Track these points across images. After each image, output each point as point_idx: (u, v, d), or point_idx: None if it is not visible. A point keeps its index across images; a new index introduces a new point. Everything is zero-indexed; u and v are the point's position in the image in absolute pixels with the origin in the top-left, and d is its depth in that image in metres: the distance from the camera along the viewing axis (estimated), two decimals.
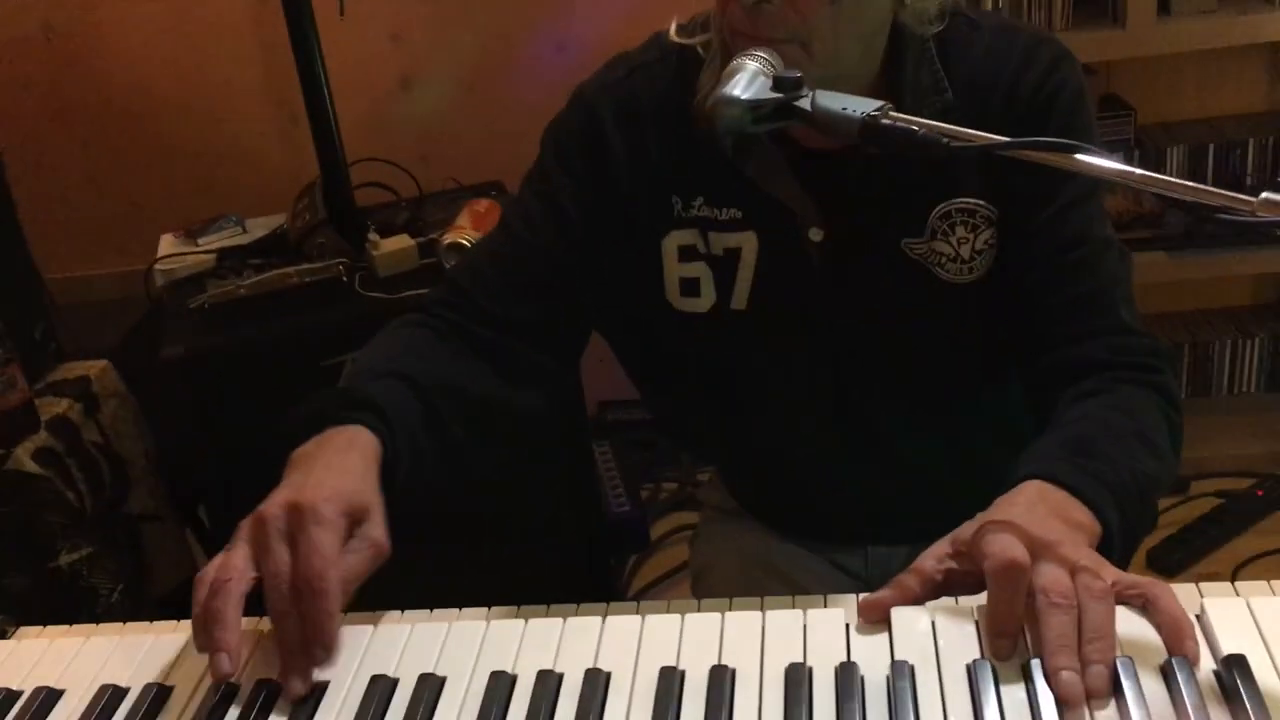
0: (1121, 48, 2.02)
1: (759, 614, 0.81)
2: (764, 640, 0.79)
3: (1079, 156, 0.77)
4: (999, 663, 0.75)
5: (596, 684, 0.77)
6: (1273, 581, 0.82)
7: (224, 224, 2.14)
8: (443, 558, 1.69)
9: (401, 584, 1.13)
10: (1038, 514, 0.82)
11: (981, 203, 1.06)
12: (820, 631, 0.80)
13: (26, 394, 1.80)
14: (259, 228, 2.16)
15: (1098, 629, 0.74)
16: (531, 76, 2.40)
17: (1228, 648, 0.73)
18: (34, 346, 1.92)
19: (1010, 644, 0.76)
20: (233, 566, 0.83)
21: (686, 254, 1.12)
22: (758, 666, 0.77)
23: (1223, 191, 0.70)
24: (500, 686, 0.78)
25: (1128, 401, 0.98)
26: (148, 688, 0.83)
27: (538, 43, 2.40)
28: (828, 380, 1.15)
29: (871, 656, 0.77)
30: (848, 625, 0.80)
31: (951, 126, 0.83)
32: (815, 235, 1.09)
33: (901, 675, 0.74)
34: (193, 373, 1.82)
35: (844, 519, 1.26)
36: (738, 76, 0.90)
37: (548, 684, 0.78)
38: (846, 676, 0.75)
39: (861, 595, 0.83)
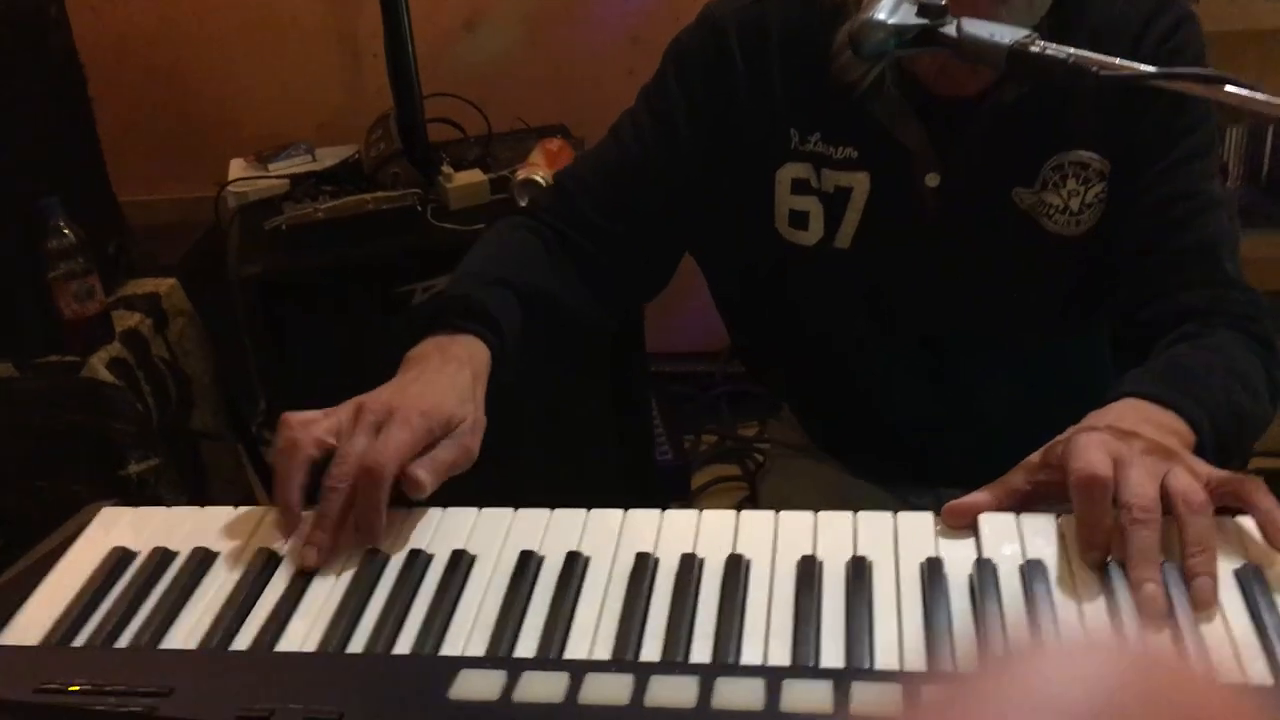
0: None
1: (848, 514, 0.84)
2: (856, 536, 0.82)
3: (1229, 88, 0.79)
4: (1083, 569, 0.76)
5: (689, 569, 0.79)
6: None
7: (294, 151, 2.16)
8: (487, 486, 1.71)
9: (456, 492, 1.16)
10: (1128, 422, 0.84)
11: (1095, 156, 1.08)
12: (911, 529, 0.82)
13: (104, 304, 1.82)
14: (327, 157, 2.18)
15: (1200, 541, 0.75)
16: (595, 23, 2.42)
17: None
18: (109, 260, 1.95)
19: (1100, 555, 0.78)
20: (311, 435, 0.87)
21: (800, 187, 1.13)
22: (842, 559, 0.79)
23: None
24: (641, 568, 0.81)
25: (1225, 345, 0.99)
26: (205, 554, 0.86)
27: None
28: (920, 324, 1.17)
29: (958, 554, 0.79)
30: (936, 529, 0.83)
31: (1100, 56, 0.85)
32: (932, 181, 1.10)
33: (986, 574, 0.76)
34: (267, 293, 1.84)
35: (920, 460, 1.28)
36: (882, 1, 0.92)
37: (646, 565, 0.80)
38: (933, 570, 0.77)
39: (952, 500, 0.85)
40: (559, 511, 0.87)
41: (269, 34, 2.46)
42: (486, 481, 1.86)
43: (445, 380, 0.93)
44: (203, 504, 0.92)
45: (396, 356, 0.97)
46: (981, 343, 1.17)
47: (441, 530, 0.86)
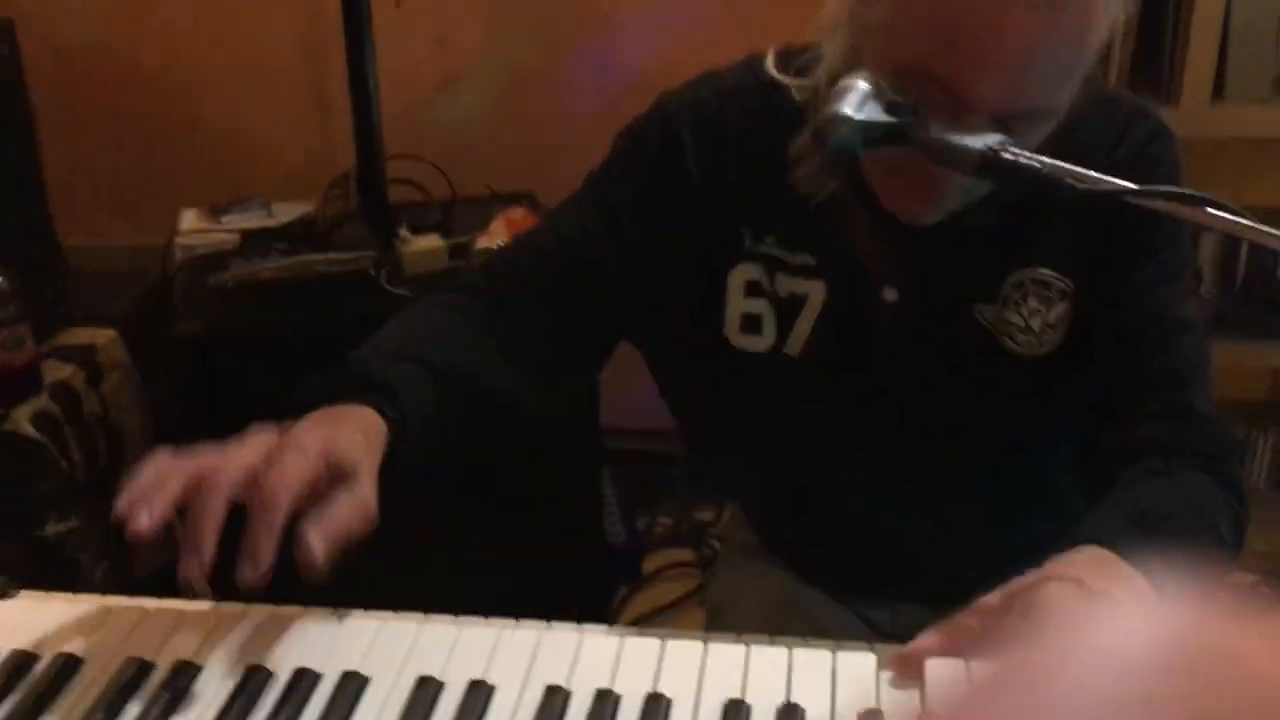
0: (1174, 126, 2.01)
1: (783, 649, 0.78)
2: (790, 678, 0.75)
3: (1210, 210, 0.74)
4: None
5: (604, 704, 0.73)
6: None
7: (250, 205, 2.11)
8: (441, 562, 1.64)
9: (397, 583, 1.09)
10: (1098, 579, 0.79)
11: (1058, 275, 1.03)
12: (849, 674, 0.76)
13: (33, 355, 1.75)
14: (285, 213, 2.12)
15: None
16: (570, 94, 2.39)
17: None
18: (44, 308, 1.87)
19: None
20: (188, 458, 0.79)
21: (752, 289, 1.08)
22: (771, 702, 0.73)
23: None
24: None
25: (1192, 487, 0.94)
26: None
27: (580, 62, 2.38)
28: (876, 436, 1.11)
29: (901, 706, 0.74)
30: (878, 672, 0.77)
31: (1074, 168, 0.80)
32: (889, 295, 1.05)
33: None
34: (207, 351, 1.77)
35: (875, 573, 1.22)
36: (850, 95, 0.87)
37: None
38: None
39: (895, 648, 0.79)
40: (468, 629, 0.79)
41: (235, 79, 2.41)
42: (433, 557, 1.79)
43: (337, 430, 0.85)
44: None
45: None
46: (940, 457, 1.12)
47: (338, 644, 0.78)
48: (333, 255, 1.90)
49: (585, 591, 2.10)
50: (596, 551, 2.12)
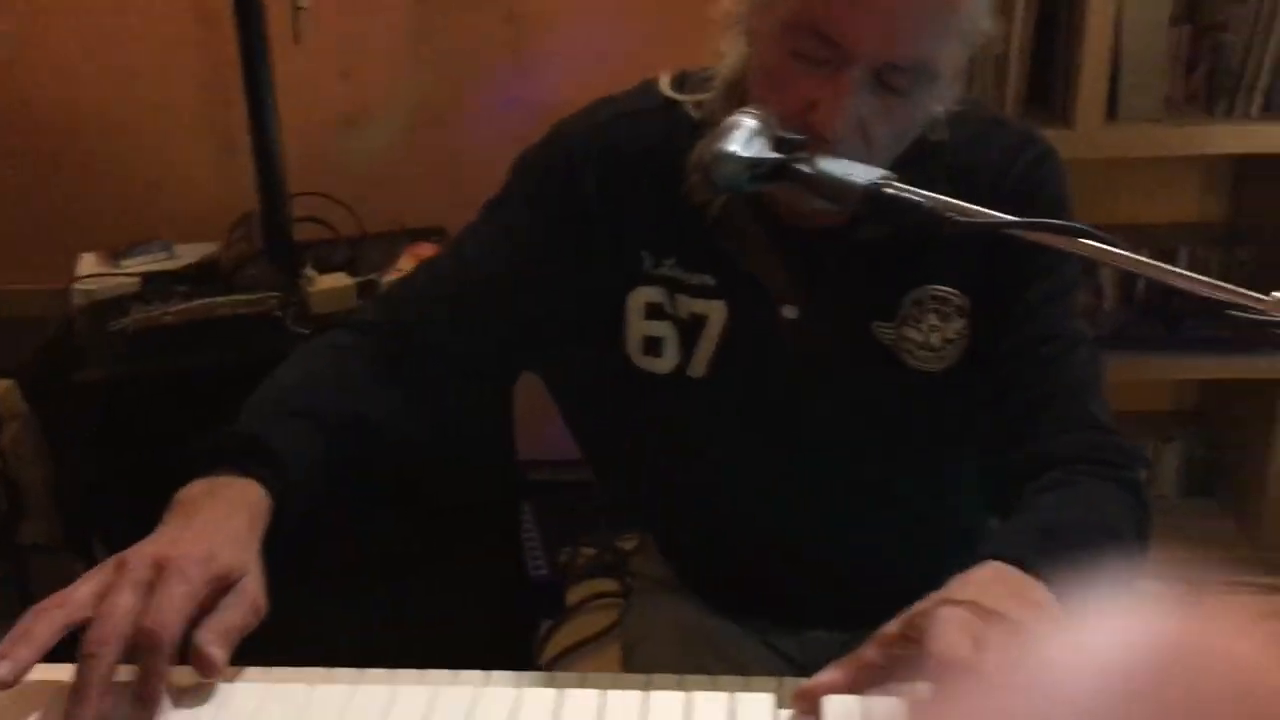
0: (1070, 149, 2.05)
1: (682, 694, 0.77)
2: None
3: (1085, 241, 0.75)
4: None
5: None
6: None
7: (151, 248, 2.06)
8: (365, 611, 1.62)
9: (319, 635, 1.07)
10: (993, 594, 0.80)
11: (955, 292, 1.05)
12: (747, 716, 0.75)
13: None
14: (187, 255, 2.07)
15: None
16: (478, 126, 2.38)
17: None
18: None
19: None
20: (69, 598, 0.78)
21: (653, 311, 1.08)
22: None
23: (1236, 289, 0.69)
24: None
25: (1094, 495, 0.96)
26: None
27: (487, 95, 2.37)
28: (782, 457, 1.12)
29: None
30: (776, 710, 0.76)
31: (956, 202, 0.81)
32: (789, 313, 1.06)
33: None
34: (109, 399, 1.72)
35: (784, 599, 1.22)
36: (736, 133, 0.88)
37: None
38: None
39: (801, 682, 0.79)
40: (403, 688, 0.78)
41: (134, 118, 2.36)
42: (355, 601, 1.76)
43: (218, 526, 0.84)
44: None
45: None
46: (845, 477, 1.12)
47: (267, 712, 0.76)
48: (237, 297, 1.86)
49: (508, 628, 2.08)
50: (518, 586, 2.10)
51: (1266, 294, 0.69)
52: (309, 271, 1.89)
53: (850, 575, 1.18)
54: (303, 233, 2.04)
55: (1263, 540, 2.31)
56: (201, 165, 2.39)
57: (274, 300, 1.87)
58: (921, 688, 0.76)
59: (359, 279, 1.92)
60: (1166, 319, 2.26)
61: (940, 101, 0.98)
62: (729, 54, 1.01)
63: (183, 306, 1.82)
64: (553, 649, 2.24)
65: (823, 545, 1.16)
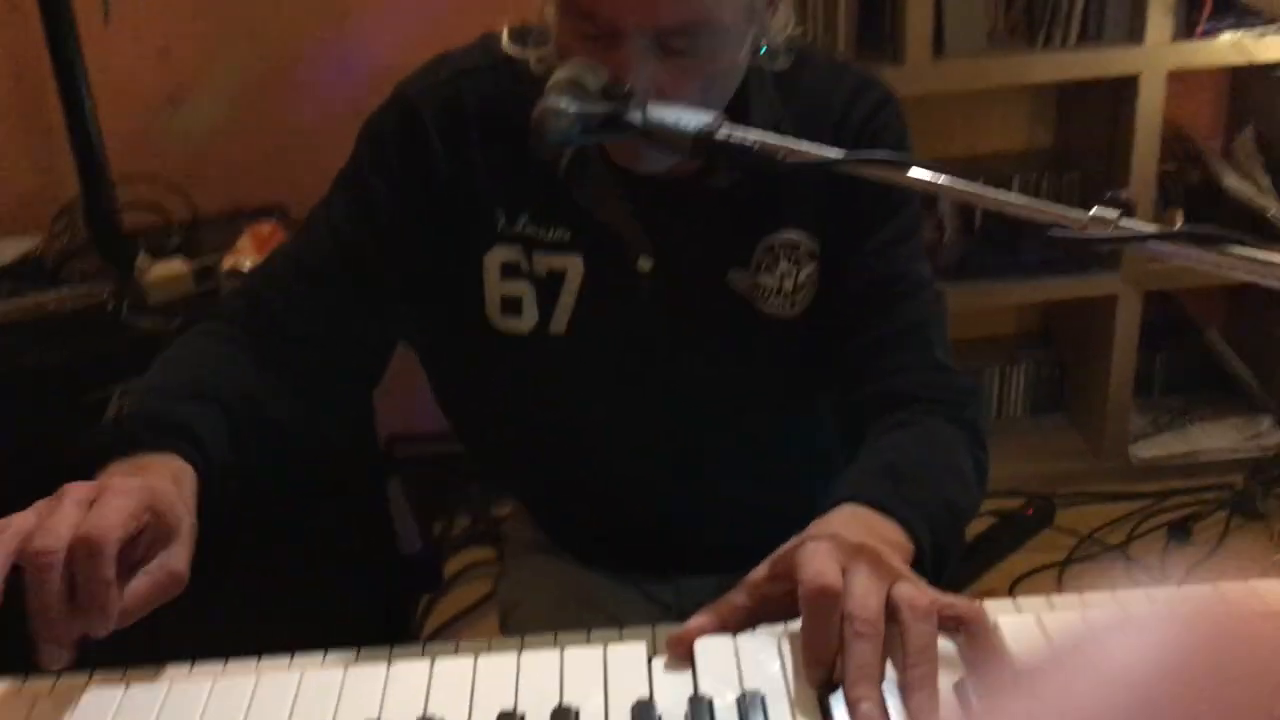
0: (902, 85, 2.09)
1: (555, 652, 0.77)
2: (562, 679, 0.75)
3: (913, 173, 0.77)
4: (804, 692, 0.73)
5: None
6: (1052, 595, 0.84)
7: None
8: (231, 597, 1.57)
9: (188, 625, 1.04)
10: (853, 531, 0.82)
11: (805, 236, 1.06)
12: (621, 668, 0.76)
13: None
14: (8, 251, 1.97)
15: (923, 651, 0.73)
16: (312, 97, 2.30)
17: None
18: None
19: (824, 671, 0.74)
20: (9, 521, 0.76)
21: (509, 271, 1.07)
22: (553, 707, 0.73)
23: (1055, 208, 0.72)
24: None
25: (936, 435, 0.99)
26: None
27: (318, 64, 2.30)
28: (646, 408, 1.12)
29: (673, 691, 0.74)
30: (650, 659, 0.77)
31: (786, 142, 0.81)
32: (644, 264, 1.06)
33: (700, 711, 0.71)
34: None
35: (656, 549, 1.23)
36: (563, 89, 0.87)
37: None
38: (644, 715, 0.71)
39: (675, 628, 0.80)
40: (268, 673, 0.77)
41: None
42: (227, 593, 1.71)
43: (152, 479, 0.82)
44: None
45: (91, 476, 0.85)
46: (709, 425, 1.14)
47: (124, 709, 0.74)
48: (65, 291, 1.78)
49: (386, 606, 2.05)
50: (393, 563, 2.07)
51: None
52: (142, 259, 1.82)
53: (719, 519, 1.19)
54: (132, 220, 1.96)
55: (1105, 450, 2.42)
56: (15, 155, 2.26)
57: (107, 292, 1.79)
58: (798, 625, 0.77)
59: (196, 264, 1.86)
60: (1005, 246, 2.34)
61: (741, 45, 0.97)
62: (552, 24, 0.99)
63: (9, 305, 1.73)
64: (434, 622, 2.22)
65: (690, 492, 1.17)
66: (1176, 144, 2.34)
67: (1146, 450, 2.44)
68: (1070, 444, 2.51)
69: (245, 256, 1.78)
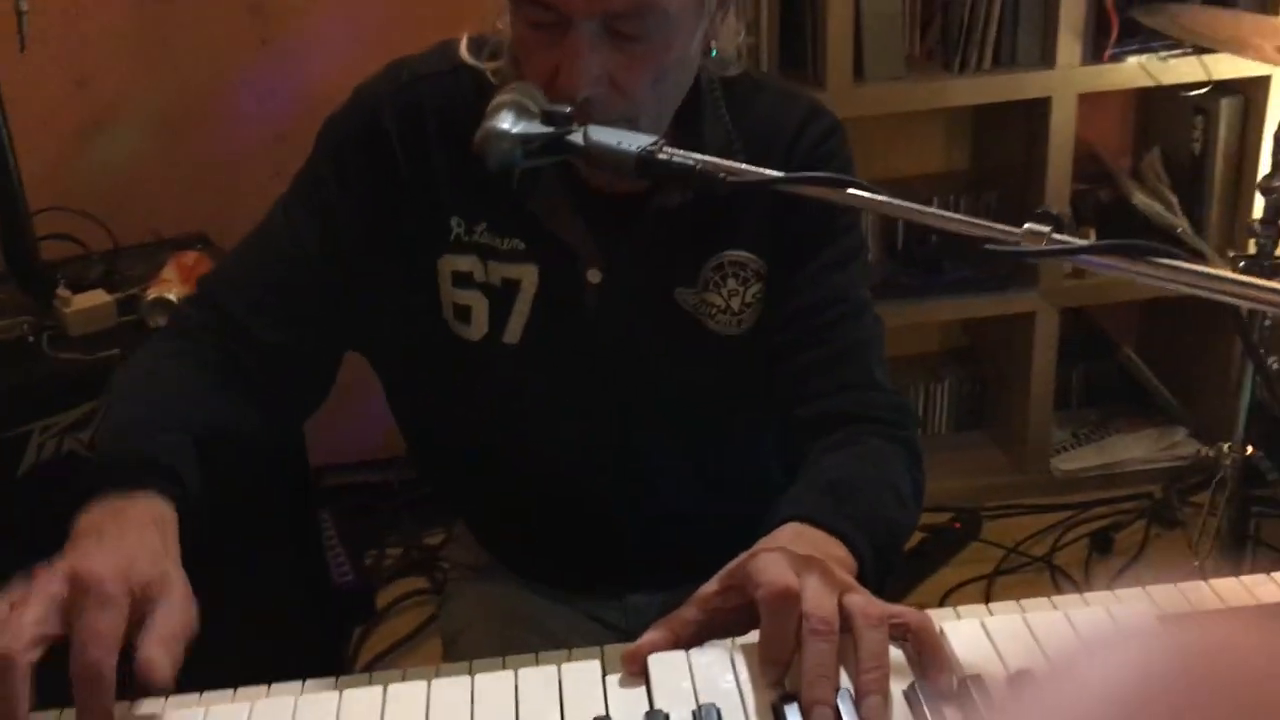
0: None
1: (509, 674, 0.78)
2: (518, 702, 0.75)
3: (851, 191, 0.79)
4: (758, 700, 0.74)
5: None
6: (990, 604, 0.87)
7: None
8: None
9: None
10: (800, 546, 0.84)
11: (753, 256, 1.08)
12: (576, 686, 0.76)
13: None
14: None
15: (875, 657, 0.75)
16: (235, 122, 2.28)
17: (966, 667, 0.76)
18: None
19: (782, 671, 0.76)
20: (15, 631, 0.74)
21: (461, 280, 1.07)
22: None
23: (989, 224, 0.74)
24: None
25: (875, 454, 1.01)
26: None
27: (238, 92, 2.28)
28: (594, 420, 1.13)
29: (629, 707, 0.75)
30: (604, 677, 0.78)
31: (728, 163, 0.83)
32: (594, 277, 1.07)
33: None
34: None
35: (603, 567, 1.24)
36: (505, 111, 0.88)
37: None
38: None
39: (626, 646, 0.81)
40: (215, 705, 0.77)
41: None
42: None
43: (130, 543, 0.81)
44: None
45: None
46: (655, 439, 1.15)
47: None
48: None
49: (317, 638, 2.02)
50: (325, 595, 2.04)
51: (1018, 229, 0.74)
52: (62, 291, 1.78)
53: (665, 536, 1.20)
54: (50, 251, 1.92)
55: (1028, 463, 2.48)
56: None
57: (26, 324, 1.75)
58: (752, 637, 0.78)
59: (118, 295, 1.82)
60: (926, 266, 2.39)
61: (691, 36, 0.98)
62: (505, 29, 1.01)
63: None
64: (367, 654, 2.19)
65: (637, 509, 1.18)
66: (1088, 164, 2.41)
67: (1067, 463, 2.50)
68: (994, 458, 2.56)
69: (171, 287, 1.75)
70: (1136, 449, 2.52)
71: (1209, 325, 2.45)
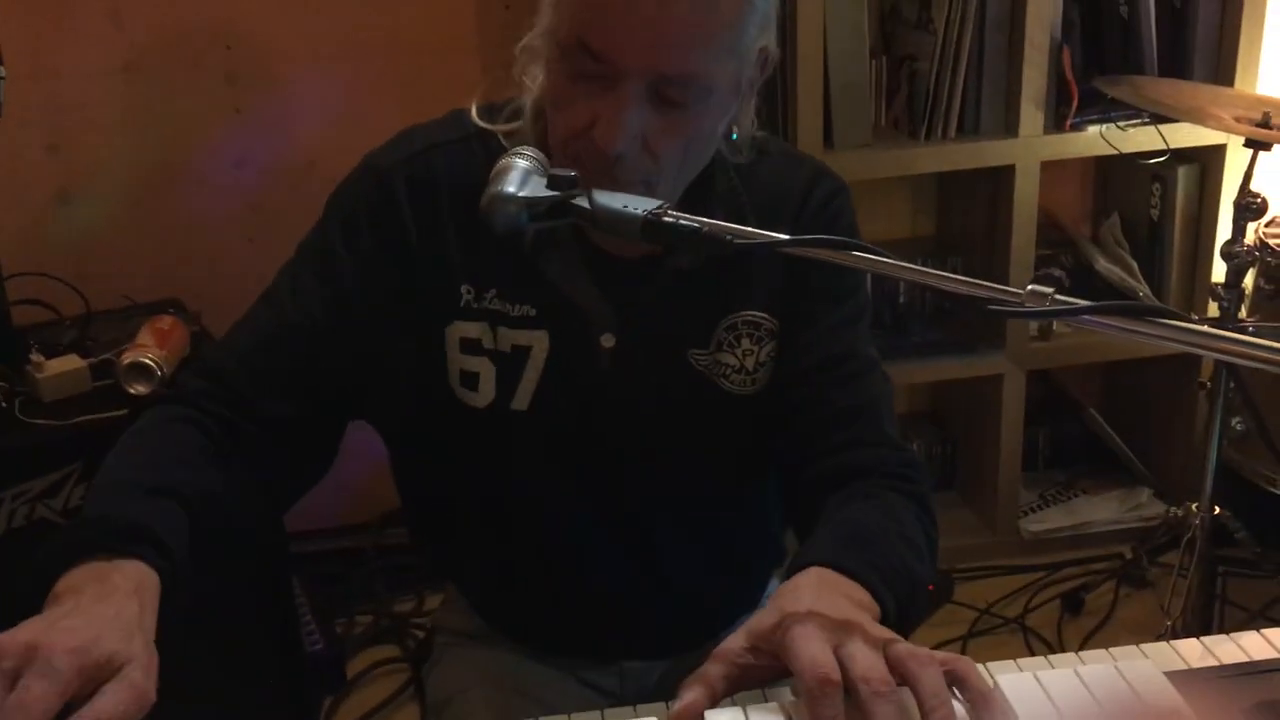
0: None
1: None
2: None
3: (855, 253, 0.81)
4: None
5: None
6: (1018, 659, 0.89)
7: None
8: None
9: None
10: (826, 596, 0.84)
11: (766, 315, 1.10)
12: None
13: None
14: None
15: (937, 694, 0.76)
16: (207, 190, 2.28)
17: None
18: None
19: None
20: None
21: (469, 347, 1.08)
22: None
23: (992, 285, 0.76)
24: None
25: (890, 508, 1.02)
26: None
27: (212, 159, 2.29)
28: (600, 486, 1.13)
29: None
30: None
31: (734, 226, 0.84)
32: (607, 341, 1.08)
33: None
34: None
35: (602, 632, 1.23)
36: (511, 174, 0.89)
37: None
38: None
39: (672, 704, 0.80)
40: None
41: None
42: None
43: (106, 612, 0.79)
44: None
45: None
46: (663, 500, 1.15)
47: None
48: None
49: (289, 709, 1.98)
50: (296, 665, 2.00)
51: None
52: (35, 357, 1.76)
53: (666, 602, 1.20)
54: (22, 316, 1.90)
55: (998, 525, 2.50)
56: None
57: None
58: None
59: (91, 360, 1.81)
60: (895, 329, 2.43)
61: (724, 115, 1.01)
62: (532, 85, 1.03)
63: None
64: None
65: (640, 573, 1.18)
66: (1049, 230, 2.47)
67: (1036, 524, 2.53)
68: (964, 520, 2.58)
69: (148, 351, 1.74)
70: (1103, 510, 2.55)
71: (1170, 387, 2.50)
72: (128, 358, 1.73)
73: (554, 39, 0.96)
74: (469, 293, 1.07)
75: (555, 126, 0.98)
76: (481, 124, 1.07)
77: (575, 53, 0.94)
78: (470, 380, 1.09)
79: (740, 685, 0.82)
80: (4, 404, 1.72)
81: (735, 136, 1.05)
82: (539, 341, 1.07)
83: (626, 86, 0.93)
